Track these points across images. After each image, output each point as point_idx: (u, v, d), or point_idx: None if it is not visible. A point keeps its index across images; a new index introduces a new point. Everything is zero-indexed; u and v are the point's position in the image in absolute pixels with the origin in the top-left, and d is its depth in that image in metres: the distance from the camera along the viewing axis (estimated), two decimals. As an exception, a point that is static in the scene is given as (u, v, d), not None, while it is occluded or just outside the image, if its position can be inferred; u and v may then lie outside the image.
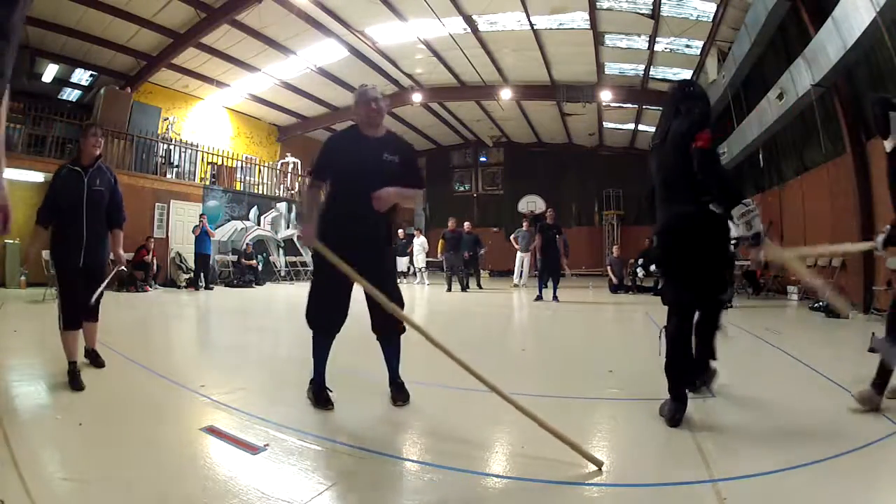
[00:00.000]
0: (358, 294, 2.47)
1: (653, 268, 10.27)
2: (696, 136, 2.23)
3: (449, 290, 10.26)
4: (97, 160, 3.10)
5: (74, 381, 2.75)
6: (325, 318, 2.51)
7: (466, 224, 11.64)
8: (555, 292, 8.31)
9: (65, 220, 2.97)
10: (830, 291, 5.07)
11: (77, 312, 2.97)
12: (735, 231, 2.30)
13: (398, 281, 2.97)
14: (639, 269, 10.41)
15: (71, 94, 12.42)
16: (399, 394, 2.61)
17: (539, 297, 8.28)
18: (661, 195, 2.54)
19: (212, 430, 2.11)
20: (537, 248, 8.50)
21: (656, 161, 2.60)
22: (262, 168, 15.19)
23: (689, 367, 2.44)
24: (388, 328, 2.55)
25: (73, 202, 2.98)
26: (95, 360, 3.22)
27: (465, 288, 10.56)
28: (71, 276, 2.99)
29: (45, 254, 8.10)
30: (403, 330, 2.55)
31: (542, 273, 8.41)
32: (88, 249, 3.02)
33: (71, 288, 2.99)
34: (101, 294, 3.18)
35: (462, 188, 21.29)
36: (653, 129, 17.31)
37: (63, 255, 2.99)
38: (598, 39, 11.13)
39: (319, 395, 2.55)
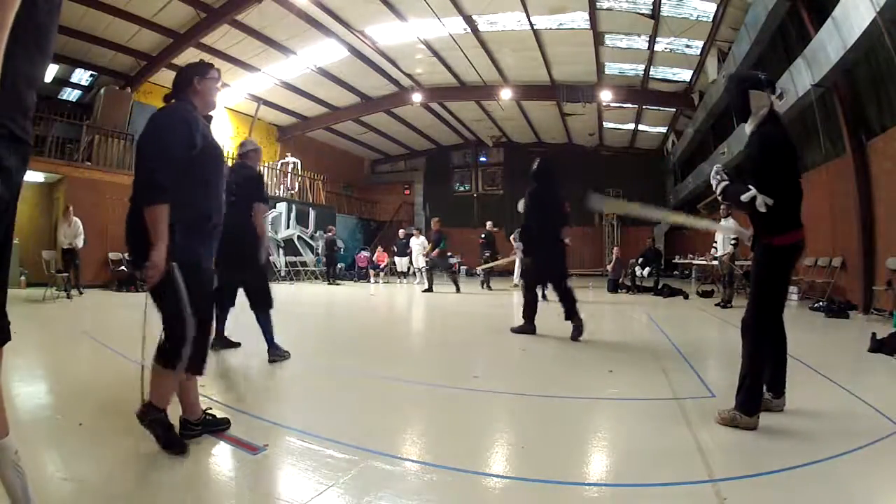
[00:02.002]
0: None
1: (647, 270, 10.39)
2: (565, 204, 4.92)
3: (429, 289, 10.26)
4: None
5: (173, 441, 1.88)
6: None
7: (489, 223, 11.81)
8: (543, 291, 8.49)
9: (202, 194, 1.92)
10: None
11: (206, 350, 2.00)
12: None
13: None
14: (638, 269, 10.47)
15: (71, 94, 12.42)
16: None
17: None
18: (538, 224, 4.80)
19: (212, 431, 2.11)
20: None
21: (544, 205, 4.77)
22: (262, 168, 15.18)
23: (535, 310, 4.84)
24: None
25: (218, 167, 2.03)
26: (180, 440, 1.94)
27: (431, 288, 10.45)
28: (213, 283, 2.02)
29: (46, 253, 8.09)
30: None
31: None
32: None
33: (208, 307, 1.98)
34: None
35: (462, 188, 21.29)
36: (652, 129, 17.35)
37: (199, 251, 1.91)
38: (598, 39, 11.14)
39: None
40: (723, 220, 7.68)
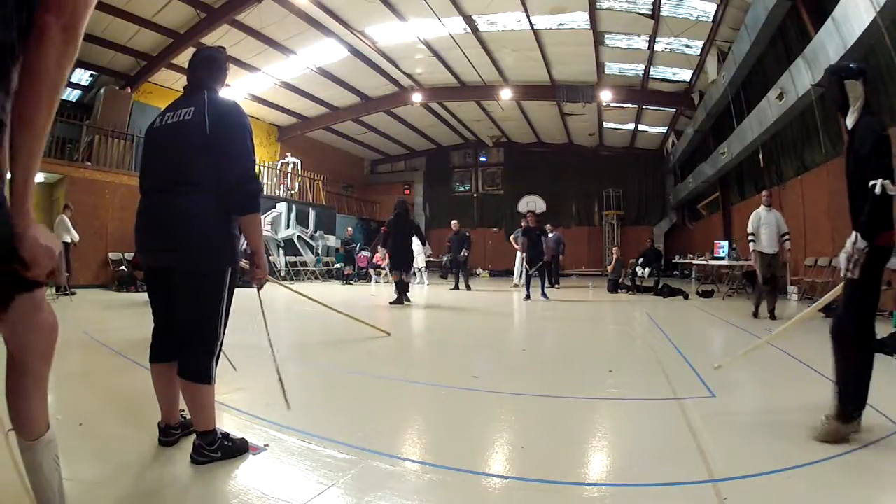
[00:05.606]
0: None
1: (646, 270, 10.39)
2: (415, 229, 8.12)
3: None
4: None
5: (243, 445, 1.88)
6: None
7: (454, 223, 11.84)
8: (542, 290, 8.79)
9: None
10: None
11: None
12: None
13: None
14: (639, 269, 10.48)
15: (71, 95, 12.41)
16: None
17: (528, 296, 8.69)
18: (394, 239, 7.67)
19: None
20: (521, 249, 9.13)
21: (400, 228, 7.75)
22: (262, 168, 15.19)
23: (405, 289, 7.74)
24: None
25: None
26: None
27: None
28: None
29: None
30: None
31: (531, 272, 8.95)
32: None
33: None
34: None
35: (462, 188, 21.29)
36: (652, 129, 17.38)
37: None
38: (598, 39, 11.14)
39: None
40: (763, 207, 6.28)
